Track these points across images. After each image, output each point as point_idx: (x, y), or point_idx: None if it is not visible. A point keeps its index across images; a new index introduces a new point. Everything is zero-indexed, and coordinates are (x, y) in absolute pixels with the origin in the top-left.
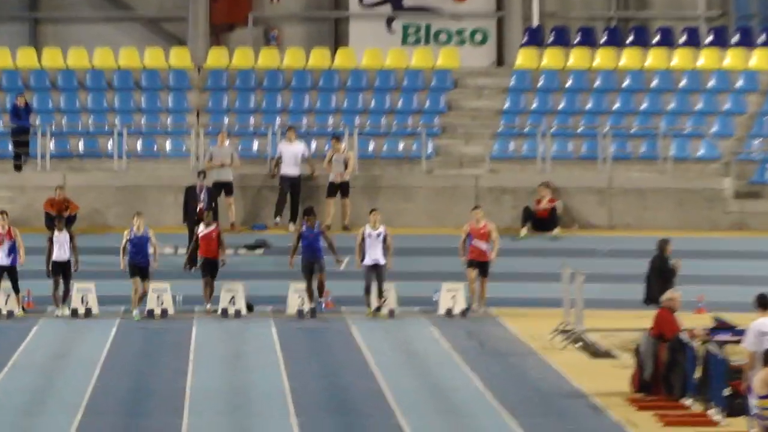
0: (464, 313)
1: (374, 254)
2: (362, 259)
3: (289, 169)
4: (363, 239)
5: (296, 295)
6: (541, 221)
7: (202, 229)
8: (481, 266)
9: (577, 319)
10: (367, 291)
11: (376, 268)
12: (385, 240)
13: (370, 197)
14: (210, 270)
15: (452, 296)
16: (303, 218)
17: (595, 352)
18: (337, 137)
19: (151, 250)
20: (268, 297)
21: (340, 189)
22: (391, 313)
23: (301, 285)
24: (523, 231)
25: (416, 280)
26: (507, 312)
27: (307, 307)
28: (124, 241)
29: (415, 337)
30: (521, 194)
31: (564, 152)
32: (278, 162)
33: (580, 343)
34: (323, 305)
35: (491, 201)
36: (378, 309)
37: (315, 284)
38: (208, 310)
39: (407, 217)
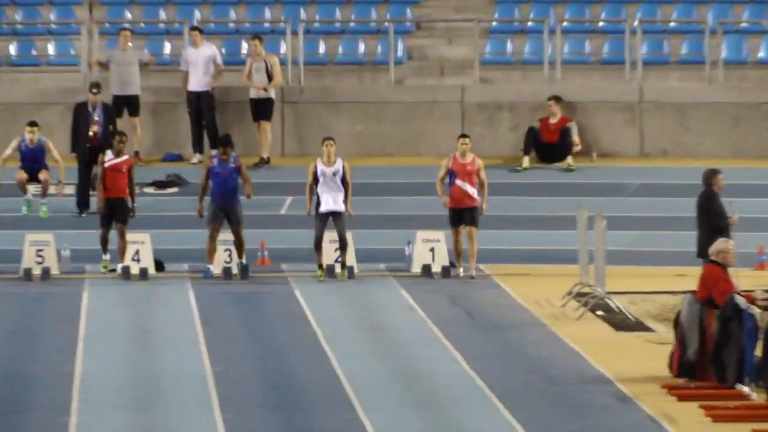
0: (446, 271)
1: (330, 199)
2: (316, 206)
3: (197, 83)
4: (314, 179)
5: (222, 249)
6: (549, 148)
7: (109, 158)
8: (468, 214)
9: (597, 278)
10: (318, 247)
11: (332, 217)
12: (343, 179)
13: (319, 118)
14: (117, 215)
15: (430, 249)
16: (217, 148)
17: (621, 322)
18: (258, 37)
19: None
20: (184, 251)
21: (258, 108)
22: (350, 272)
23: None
24: (525, 161)
25: (382, 228)
26: (503, 270)
27: (236, 264)
28: (8, 151)
29: (380, 305)
30: (522, 112)
31: (579, 55)
32: (187, 75)
33: (602, 312)
34: (244, 266)
35: (482, 121)
36: (335, 266)
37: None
38: (106, 270)
39: (370, 142)
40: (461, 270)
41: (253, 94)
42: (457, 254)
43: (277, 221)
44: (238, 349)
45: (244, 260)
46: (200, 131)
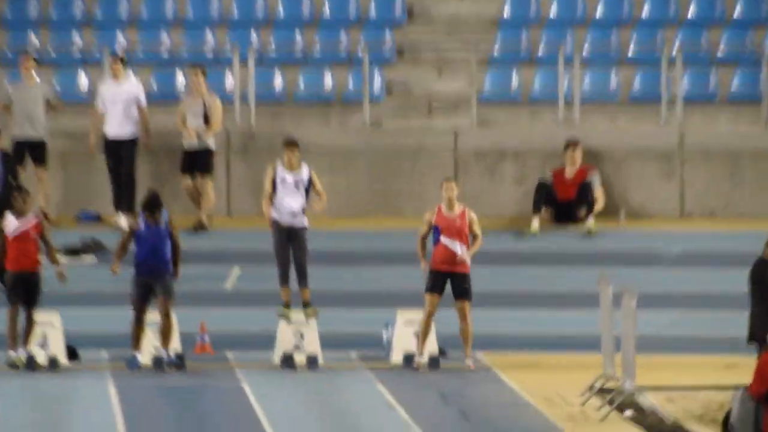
0: (436, 361)
1: (289, 210)
2: (274, 221)
3: (115, 126)
4: (273, 184)
5: (152, 332)
6: (566, 206)
7: (12, 224)
8: (459, 284)
9: (625, 370)
10: (284, 278)
11: (290, 235)
12: (308, 188)
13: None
14: (26, 293)
15: (414, 333)
16: (142, 210)
17: (655, 426)
18: (198, 66)
19: None
20: (103, 335)
21: (195, 160)
22: (311, 363)
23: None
24: (535, 223)
25: (353, 306)
26: (507, 360)
27: (166, 353)
28: None
29: (351, 404)
30: (531, 161)
31: (604, 90)
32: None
33: (631, 411)
34: (171, 356)
35: (481, 172)
36: (292, 354)
37: (157, 319)
38: (15, 360)
39: (338, 201)
40: (419, 359)
41: (187, 142)
42: (423, 335)
43: (221, 299)
44: None
45: (174, 350)
46: (122, 187)
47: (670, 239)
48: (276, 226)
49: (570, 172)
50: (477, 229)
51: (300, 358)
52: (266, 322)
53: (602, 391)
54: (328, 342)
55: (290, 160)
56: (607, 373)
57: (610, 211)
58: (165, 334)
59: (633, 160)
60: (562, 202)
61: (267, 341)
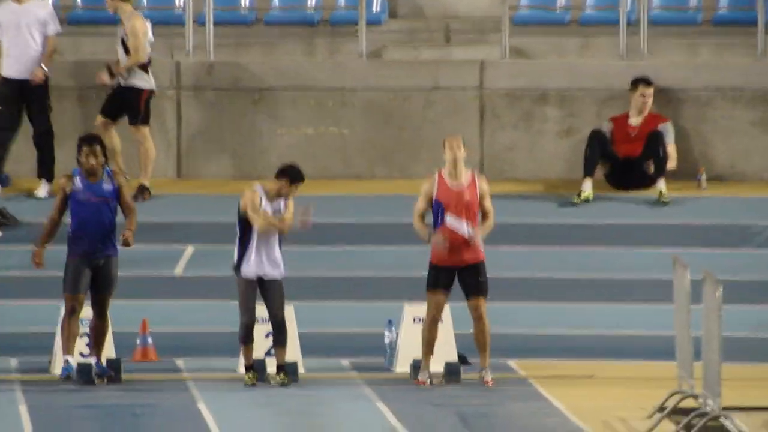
0: (455, 370)
1: (262, 257)
2: (238, 265)
3: (19, 63)
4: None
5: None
6: (628, 166)
7: None
8: (471, 277)
9: (708, 384)
10: (247, 336)
11: (261, 287)
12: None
13: (241, 117)
14: None
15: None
16: (79, 156)
17: None
18: None
19: None
20: (12, 337)
21: (120, 103)
22: (289, 373)
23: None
24: (587, 187)
25: (345, 299)
26: (548, 370)
27: (96, 361)
28: None
29: (342, 428)
30: (582, 105)
31: (679, 10)
32: None
33: None
34: (101, 364)
35: (514, 121)
36: (279, 372)
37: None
38: None
39: (325, 157)
40: (423, 376)
41: (108, 78)
42: (426, 345)
43: (169, 288)
44: None
45: (105, 356)
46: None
47: (766, 211)
48: (244, 279)
49: (636, 121)
50: (488, 204)
51: (273, 368)
52: (228, 317)
53: (677, 413)
54: (311, 346)
55: (278, 190)
56: (683, 387)
57: (688, 173)
58: (98, 339)
59: (718, 104)
60: (624, 160)
61: (230, 344)
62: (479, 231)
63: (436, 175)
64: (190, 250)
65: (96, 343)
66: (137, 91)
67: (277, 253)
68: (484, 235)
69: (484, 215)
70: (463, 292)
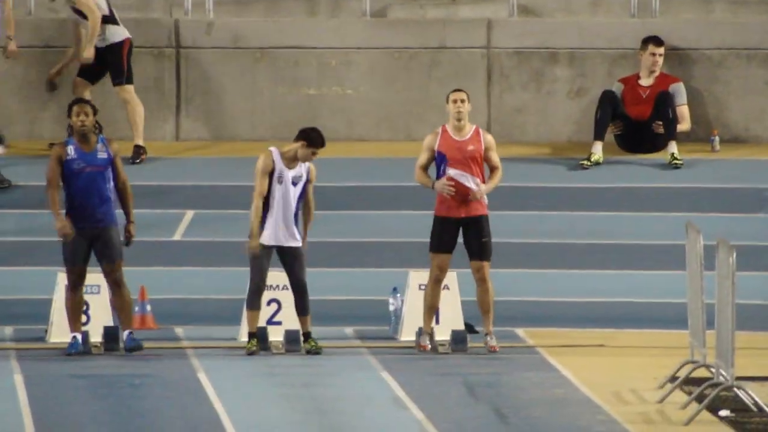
0: (461, 339)
1: (280, 225)
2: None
3: None
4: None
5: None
6: (640, 127)
7: None
8: (474, 235)
9: (721, 353)
10: (255, 300)
11: (281, 256)
12: (304, 190)
13: (240, 77)
14: None
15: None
16: (69, 119)
17: (762, 430)
18: None
19: None
20: (5, 303)
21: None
22: (291, 342)
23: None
24: (598, 150)
25: (347, 266)
26: (558, 339)
27: (128, 336)
28: None
29: (346, 400)
30: (592, 65)
31: None
32: None
33: (728, 411)
34: (128, 334)
35: (523, 81)
36: (307, 339)
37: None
38: None
39: (326, 118)
40: (424, 341)
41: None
42: (428, 309)
43: (168, 253)
44: None
45: (128, 331)
46: None
47: None
48: (260, 245)
49: (646, 81)
50: (495, 158)
51: (276, 337)
52: (228, 284)
53: (689, 383)
54: (314, 314)
55: (297, 156)
56: (695, 357)
57: (701, 135)
58: (124, 310)
59: (732, 64)
60: (635, 122)
61: (231, 313)
62: (486, 185)
63: (440, 128)
64: (189, 214)
65: (120, 315)
66: (118, 46)
67: (293, 219)
68: (491, 188)
69: (492, 170)
70: (467, 253)
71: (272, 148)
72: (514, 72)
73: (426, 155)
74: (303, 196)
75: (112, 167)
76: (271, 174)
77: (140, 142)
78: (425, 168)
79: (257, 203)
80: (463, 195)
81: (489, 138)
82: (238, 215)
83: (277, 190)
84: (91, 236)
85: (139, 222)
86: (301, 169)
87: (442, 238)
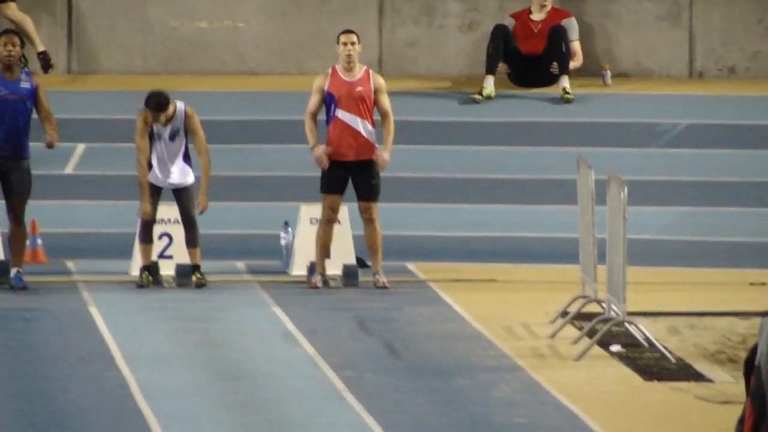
0: (353, 273)
1: (169, 166)
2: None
3: None
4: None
5: None
6: (531, 62)
7: None
8: (362, 176)
9: (612, 288)
10: (146, 234)
11: (175, 195)
12: (184, 135)
13: (130, 9)
14: None
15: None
16: None
17: (653, 365)
18: None
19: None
20: None
21: None
22: (182, 275)
23: None
24: (489, 84)
25: (239, 200)
26: (449, 273)
27: (16, 272)
28: None
29: (236, 333)
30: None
31: None
32: None
33: (620, 346)
34: (18, 276)
35: (414, 16)
36: (195, 272)
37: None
38: None
39: (220, 50)
40: (315, 278)
41: None
42: (321, 248)
43: (60, 186)
44: None
45: (20, 268)
46: None
47: (673, 108)
48: (150, 185)
49: (538, 16)
50: (386, 102)
51: (167, 271)
52: (120, 218)
53: (580, 318)
54: (205, 248)
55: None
56: (586, 292)
57: (592, 69)
58: (17, 246)
59: None
60: (527, 56)
61: (122, 246)
62: (386, 138)
63: (330, 69)
64: (81, 148)
65: (14, 251)
66: None
67: (181, 163)
68: (389, 146)
69: (383, 117)
70: (356, 194)
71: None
72: (405, 6)
73: (316, 98)
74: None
75: (34, 99)
76: (150, 132)
77: (42, 47)
78: (315, 114)
79: (141, 160)
80: (352, 137)
81: (379, 80)
82: (129, 149)
83: (157, 144)
84: (5, 169)
85: (31, 155)
86: (177, 124)
87: (332, 180)
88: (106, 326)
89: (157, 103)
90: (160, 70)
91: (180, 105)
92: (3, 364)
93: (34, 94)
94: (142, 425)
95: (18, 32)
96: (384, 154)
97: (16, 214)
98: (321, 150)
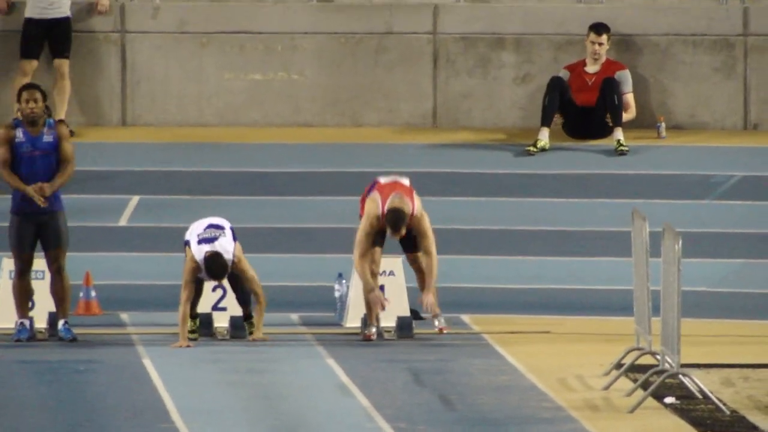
0: (407, 325)
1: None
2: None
3: None
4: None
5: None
6: (585, 114)
7: None
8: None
9: (666, 341)
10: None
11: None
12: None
13: (184, 56)
14: None
15: (378, 287)
16: (18, 104)
17: (707, 417)
18: None
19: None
20: None
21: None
22: (236, 328)
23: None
24: (544, 136)
25: (294, 250)
26: (503, 325)
27: (63, 324)
28: None
29: (291, 386)
30: (539, 52)
31: None
32: None
33: (674, 398)
34: (63, 323)
35: (469, 68)
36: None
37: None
38: None
39: (275, 102)
40: (370, 330)
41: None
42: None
43: (114, 238)
44: None
45: (63, 321)
46: None
47: (727, 160)
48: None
49: (592, 69)
50: (428, 242)
51: (221, 323)
52: (173, 270)
53: (634, 370)
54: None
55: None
56: (640, 344)
57: (647, 122)
58: (62, 298)
59: (678, 51)
60: (581, 108)
61: (175, 298)
62: (428, 277)
63: (377, 197)
64: (135, 200)
65: (58, 302)
66: (66, 20)
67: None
68: (431, 279)
69: (426, 253)
70: (402, 248)
71: None
72: (460, 57)
73: (364, 232)
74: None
75: (58, 149)
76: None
77: (62, 116)
78: (364, 254)
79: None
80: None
81: (418, 208)
82: (183, 201)
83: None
84: (38, 222)
85: (85, 206)
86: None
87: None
88: (160, 378)
89: (216, 273)
90: (214, 122)
91: (229, 257)
92: (57, 416)
93: (57, 146)
94: None
95: (39, 86)
96: (428, 299)
97: (56, 266)
98: (378, 298)
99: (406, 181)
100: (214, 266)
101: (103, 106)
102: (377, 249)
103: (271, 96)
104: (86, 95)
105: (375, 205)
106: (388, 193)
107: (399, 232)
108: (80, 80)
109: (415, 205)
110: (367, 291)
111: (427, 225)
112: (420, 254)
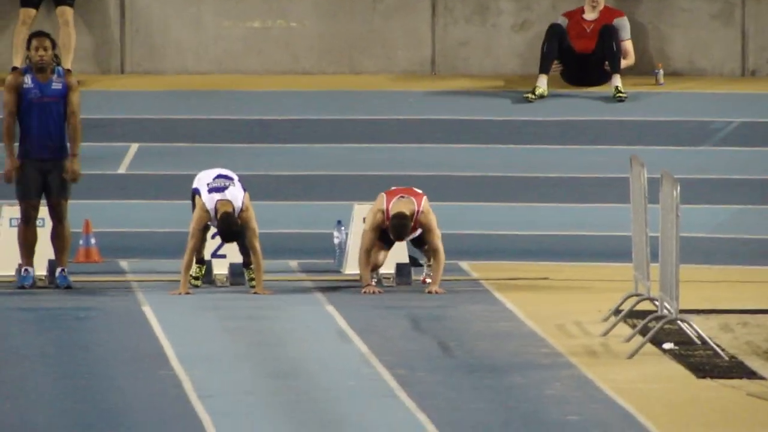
0: (406, 271)
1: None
2: None
3: None
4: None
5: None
6: (584, 61)
7: None
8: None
9: (664, 287)
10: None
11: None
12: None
13: (182, 9)
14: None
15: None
16: (28, 52)
17: (705, 363)
18: None
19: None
20: None
21: None
22: (236, 274)
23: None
24: (543, 83)
25: (293, 197)
26: (502, 272)
27: (60, 272)
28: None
29: (290, 332)
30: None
31: None
32: None
33: (672, 344)
34: (63, 275)
35: (467, 15)
36: (248, 267)
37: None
38: None
39: (272, 50)
40: (371, 281)
41: None
42: (365, 253)
43: (113, 185)
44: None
45: (62, 269)
46: None
47: (725, 107)
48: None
49: (590, 16)
50: (437, 243)
51: (220, 270)
52: (173, 217)
53: (632, 316)
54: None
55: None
56: (639, 290)
57: (645, 69)
58: (62, 246)
59: None
60: (580, 55)
61: (175, 245)
62: (434, 270)
63: (383, 197)
64: (134, 147)
65: (59, 250)
66: None
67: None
68: (438, 273)
69: (434, 253)
70: (411, 244)
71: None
72: (458, 5)
73: (372, 228)
74: None
75: (67, 98)
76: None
77: (69, 66)
78: (369, 248)
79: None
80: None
81: (425, 209)
82: (182, 148)
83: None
84: (44, 169)
85: (84, 155)
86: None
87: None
88: (160, 325)
89: (227, 237)
90: (213, 70)
91: (238, 204)
92: (56, 363)
93: (66, 94)
94: (196, 424)
95: (48, 34)
96: (433, 288)
97: (56, 213)
98: (371, 288)
99: (418, 190)
100: (228, 232)
101: (101, 53)
102: (383, 252)
103: (270, 44)
104: (85, 43)
105: (381, 200)
106: (396, 193)
107: (402, 240)
108: (79, 29)
109: (422, 202)
110: (363, 285)
111: (434, 221)
112: (426, 249)
